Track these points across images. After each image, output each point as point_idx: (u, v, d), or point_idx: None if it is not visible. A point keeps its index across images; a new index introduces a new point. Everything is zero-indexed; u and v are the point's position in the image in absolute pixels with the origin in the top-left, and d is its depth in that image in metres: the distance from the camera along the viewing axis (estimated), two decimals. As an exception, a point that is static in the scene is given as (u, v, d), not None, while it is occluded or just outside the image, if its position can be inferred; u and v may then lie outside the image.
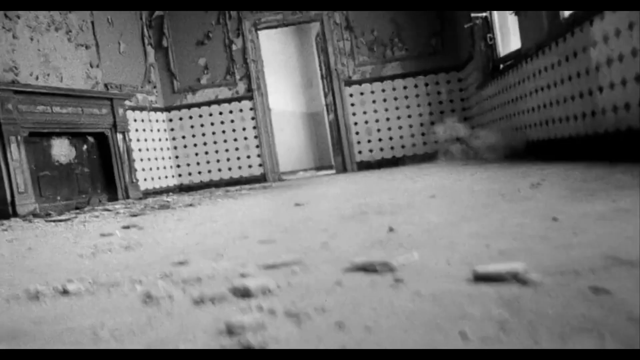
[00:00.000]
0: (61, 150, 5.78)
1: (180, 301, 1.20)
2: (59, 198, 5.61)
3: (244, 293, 1.16)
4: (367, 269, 1.27)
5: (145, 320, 1.08)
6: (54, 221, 4.10)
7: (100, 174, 6.34)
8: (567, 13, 3.90)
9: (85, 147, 6.17)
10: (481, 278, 1.07)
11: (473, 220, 1.83)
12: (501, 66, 5.56)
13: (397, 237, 1.71)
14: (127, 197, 6.47)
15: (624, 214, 1.56)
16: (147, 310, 1.16)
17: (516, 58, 5.01)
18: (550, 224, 1.57)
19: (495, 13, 5.72)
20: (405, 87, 7.69)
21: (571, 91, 3.87)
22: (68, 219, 4.13)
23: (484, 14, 5.81)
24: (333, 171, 8.73)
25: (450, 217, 1.98)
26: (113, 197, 6.38)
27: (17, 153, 5.10)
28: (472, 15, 5.99)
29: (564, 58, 3.90)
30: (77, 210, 5.19)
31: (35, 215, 4.93)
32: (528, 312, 0.86)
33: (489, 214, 1.92)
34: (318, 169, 10.96)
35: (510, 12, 5.03)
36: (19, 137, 5.13)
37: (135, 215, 3.94)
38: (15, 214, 4.97)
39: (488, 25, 5.80)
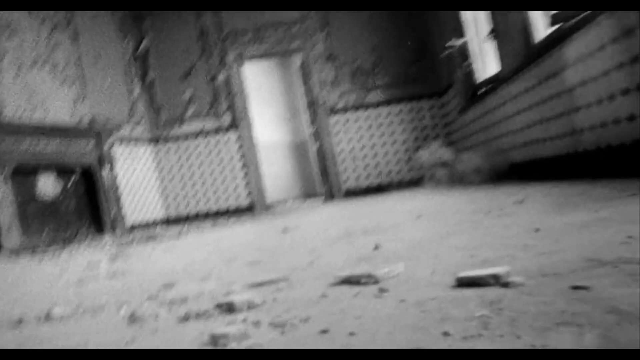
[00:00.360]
0: (47, 184, 5.75)
1: (166, 319, 1.20)
2: (45, 232, 5.55)
3: (229, 308, 1.16)
4: (352, 281, 1.28)
5: (130, 337, 1.08)
6: (39, 255, 4.05)
7: (87, 207, 6.30)
8: (540, 37, 4.00)
9: (71, 181, 6.14)
10: (464, 284, 1.08)
11: (457, 235, 1.85)
12: (481, 91, 5.67)
13: (383, 253, 1.72)
14: (114, 230, 6.42)
15: (605, 222, 1.58)
16: (133, 329, 1.15)
17: (495, 82, 5.12)
18: (533, 234, 1.59)
19: (471, 40, 5.85)
20: (388, 115, 7.79)
21: (550, 112, 3.95)
22: (54, 253, 4.09)
23: (460, 42, 5.94)
24: (320, 199, 8.74)
25: (435, 234, 1.99)
26: (100, 231, 6.32)
27: (2, 188, 5.06)
28: (449, 43, 6.13)
29: (541, 80, 3.99)
30: (64, 244, 5.13)
31: (20, 249, 4.86)
32: (510, 311, 0.87)
33: (473, 229, 1.93)
34: (305, 197, 10.96)
35: (488, 36, 5.15)
36: (4, 172, 5.10)
37: (122, 247, 3.91)
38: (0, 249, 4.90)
39: (465, 52, 5.93)
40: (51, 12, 6.34)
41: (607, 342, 0.69)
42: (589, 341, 0.70)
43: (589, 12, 3.11)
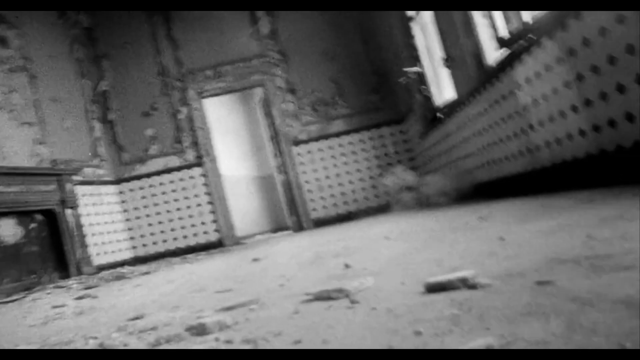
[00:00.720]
0: (7, 230, 5.57)
1: (136, 346, 1.17)
2: (6, 280, 5.35)
3: (200, 330, 1.14)
4: (323, 297, 1.28)
5: (100, 365, 1.05)
6: (1, 303, 3.90)
7: (51, 251, 6.11)
8: (491, 61, 4.16)
9: (33, 225, 5.97)
10: (433, 289, 1.10)
11: (425, 250, 1.87)
12: (440, 115, 5.82)
13: (353, 271, 1.73)
14: (81, 273, 6.23)
15: (566, 227, 1.63)
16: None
17: (452, 106, 5.26)
18: (498, 243, 1.62)
19: (427, 66, 6.03)
20: (351, 143, 7.88)
21: (507, 132, 4.08)
22: (17, 300, 3.94)
23: (416, 69, 6.11)
24: (290, 231, 8.71)
25: (403, 251, 2.01)
26: (65, 275, 6.13)
27: (-42, 237, 4.87)
28: (405, 69, 6.30)
29: (495, 102, 4.13)
30: (27, 291, 4.95)
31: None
32: (478, 308, 0.89)
33: (440, 243, 1.97)
34: (275, 230, 10.90)
35: (442, 62, 5.32)
36: (-41, 220, 4.93)
37: (89, 288, 3.80)
38: (-44, 302, 4.68)
39: (422, 78, 6.10)
40: (6, 55, 6.27)
41: (572, 326, 0.71)
42: (555, 327, 0.73)
43: (532, 35, 3.26)
